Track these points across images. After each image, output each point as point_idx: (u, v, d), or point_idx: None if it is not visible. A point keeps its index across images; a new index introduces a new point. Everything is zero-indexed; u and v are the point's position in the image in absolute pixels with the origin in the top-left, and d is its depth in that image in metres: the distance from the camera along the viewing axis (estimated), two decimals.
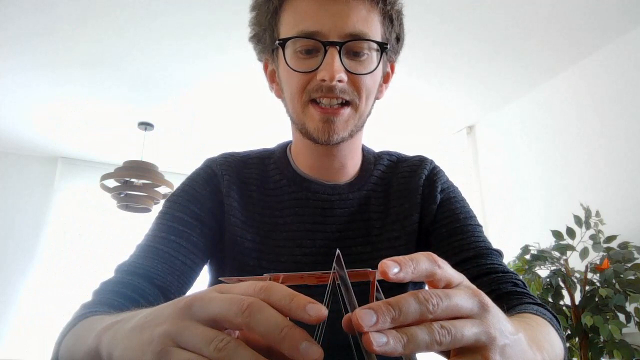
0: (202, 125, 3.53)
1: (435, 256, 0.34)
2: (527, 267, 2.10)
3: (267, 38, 0.75)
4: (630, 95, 2.42)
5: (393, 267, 0.32)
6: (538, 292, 2.01)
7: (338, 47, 0.66)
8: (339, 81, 0.66)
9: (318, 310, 0.30)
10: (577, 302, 2.01)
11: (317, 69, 0.67)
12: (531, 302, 0.63)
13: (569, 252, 2.09)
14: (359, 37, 0.67)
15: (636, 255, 1.95)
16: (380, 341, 0.29)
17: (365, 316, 0.30)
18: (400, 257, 0.33)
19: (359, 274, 0.38)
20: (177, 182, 1.04)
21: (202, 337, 0.31)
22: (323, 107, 0.69)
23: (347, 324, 0.31)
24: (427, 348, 0.31)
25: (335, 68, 0.65)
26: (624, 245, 2.00)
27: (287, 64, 0.69)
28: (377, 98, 0.77)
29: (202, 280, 0.79)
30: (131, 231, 3.95)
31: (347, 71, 0.67)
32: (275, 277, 0.39)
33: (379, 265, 0.32)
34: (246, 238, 0.75)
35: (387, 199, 0.79)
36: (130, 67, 2.80)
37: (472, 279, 0.67)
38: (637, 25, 2.39)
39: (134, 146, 3.75)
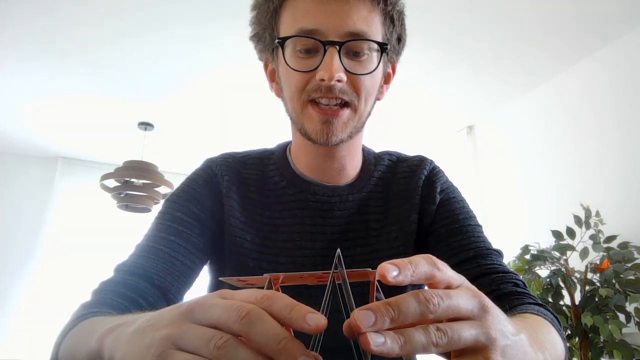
0: (202, 125, 3.53)
1: (434, 258, 0.34)
2: (527, 267, 2.10)
3: (267, 37, 0.74)
4: (630, 95, 2.42)
5: (392, 271, 0.32)
6: (538, 292, 2.01)
7: (338, 47, 0.66)
8: (338, 81, 0.66)
9: (318, 320, 0.30)
10: (577, 302, 2.01)
11: (316, 68, 0.67)
12: (532, 302, 0.63)
13: (569, 252, 2.09)
14: (359, 37, 0.67)
15: (636, 255, 1.95)
16: (377, 341, 0.29)
17: (363, 317, 0.30)
18: (399, 260, 0.32)
19: (359, 274, 0.38)
20: (177, 182, 1.04)
21: (201, 336, 0.31)
22: (322, 108, 0.68)
23: (347, 329, 0.31)
24: (424, 350, 0.31)
25: (335, 68, 0.65)
26: (624, 245, 2.00)
27: (287, 64, 0.69)
28: (377, 99, 0.76)
29: (202, 280, 0.79)
30: (131, 231, 3.95)
31: (347, 71, 0.67)
32: (275, 277, 0.39)
33: (378, 268, 0.32)
34: (246, 239, 0.74)
35: (387, 200, 0.79)
36: (131, 68, 2.79)
37: (472, 280, 0.66)
38: (636, 26, 2.38)
39: (134, 146, 3.75)
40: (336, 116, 0.68)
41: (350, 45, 0.67)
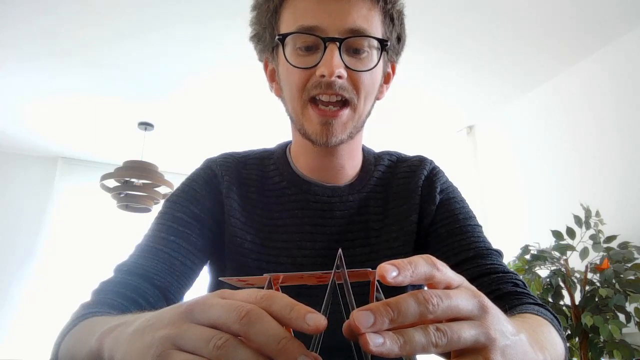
0: (202, 125, 3.53)
1: (433, 259, 0.34)
2: (527, 267, 2.10)
3: (267, 37, 0.75)
4: (630, 95, 2.42)
5: (391, 271, 0.32)
6: (538, 292, 2.01)
7: (338, 43, 0.66)
8: (339, 77, 0.66)
9: (317, 321, 0.30)
10: (577, 302, 2.01)
11: (316, 65, 0.67)
12: (532, 302, 0.63)
13: (569, 252, 2.09)
14: (359, 34, 0.67)
15: (636, 255, 1.94)
16: (376, 342, 0.29)
17: (362, 317, 0.30)
18: (399, 261, 0.32)
19: (359, 274, 0.38)
20: (177, 182, 1.04)
21: (201, 336, 0.31)
22: (322, 109, 0.68)
23: (347, 330, 0.31)
24: (424, 350, 0.31)
25: (335, 63, 0.65)
26: (624, 245, 2.00)
27: (287, 61, 0.69)
28: (377, 99, 0.76)
29: (202, 280, 0.79)
30: (131, 231, 3.95)
31: (347, 68, 0.67)
32: (275, 277, 0.39)
33: (378, 268, 0.32)
34: (246, 239, 0.74)
35: (387, 200, 0.79)
36: (131, 68, 2.79)
37: (472, 280, 0.66)
38: (636, 26, 2.38)
39: (134, 146, 3.75)
40: (335, 117, 0.68)
41: (351, 42, 0.67)
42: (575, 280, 2.03)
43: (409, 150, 0.95)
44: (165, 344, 0.32)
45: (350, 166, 0.79)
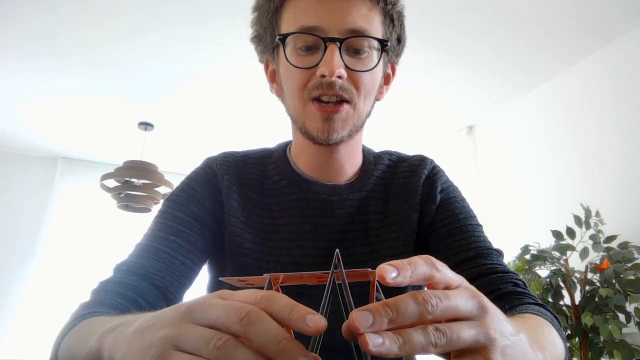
0: (202, 125, 3.53)
1: (433, 259, 0.34)
2: (527, 267, 2.10)
3: (268, 37, 0.75)
4: (630, 95, 2.42)
5: (391, 272, 0.32)
6: (538, 292, 2.01)
7: (338, 44, 0.66)
8: (339, 77, 0.66)
9: (317, 322, 0.30)
10: (577, 302, 2.01)
11: (316, 65, 0.67)
12: (532, 302, 0.63)
13: (569, 252, 2.09)
14: (359, 34, 0.67)
15: (636, 255, 1.94)
16: (375, 342, 0.29)
17: (361, 318, 0.30)
18: (398, 261, 0.33)
19: (359, 274, 0.38)
20: (177, 182, 1.04)
21: (200, 337, 0.31)
22: (323, 105, 0.68)
23: (346, 330, 0.31)
24: (423, 350, 0.31)
25: (335, 63, 0.65)
26: (624, 245, 2.00)
27: (288, 61, 0.69)
28: (377, 99, 0.76)
29: (202, 280, 0.79)
30: (131, 231, 3.95)
31: (347, 68, 0.67)
32: (275, 276, 0.39)
33: (377, 269, 0.32)
34: (246, 238, 0.74)
35: (387, 200, 0.79)
36: (131, 68, 2.79)
37: (473, 279, 0.66)
38: (636, 26, 2.38)
39: (134, 146, 3.75)
40: (336, 112, 0.69)
41: (351, 42, 0.68)
42: (575, 280, 2.03)
43: (409, 150, 0.95)
44: (165, 344, 0.32)
45: (350, 165, 0.79)
